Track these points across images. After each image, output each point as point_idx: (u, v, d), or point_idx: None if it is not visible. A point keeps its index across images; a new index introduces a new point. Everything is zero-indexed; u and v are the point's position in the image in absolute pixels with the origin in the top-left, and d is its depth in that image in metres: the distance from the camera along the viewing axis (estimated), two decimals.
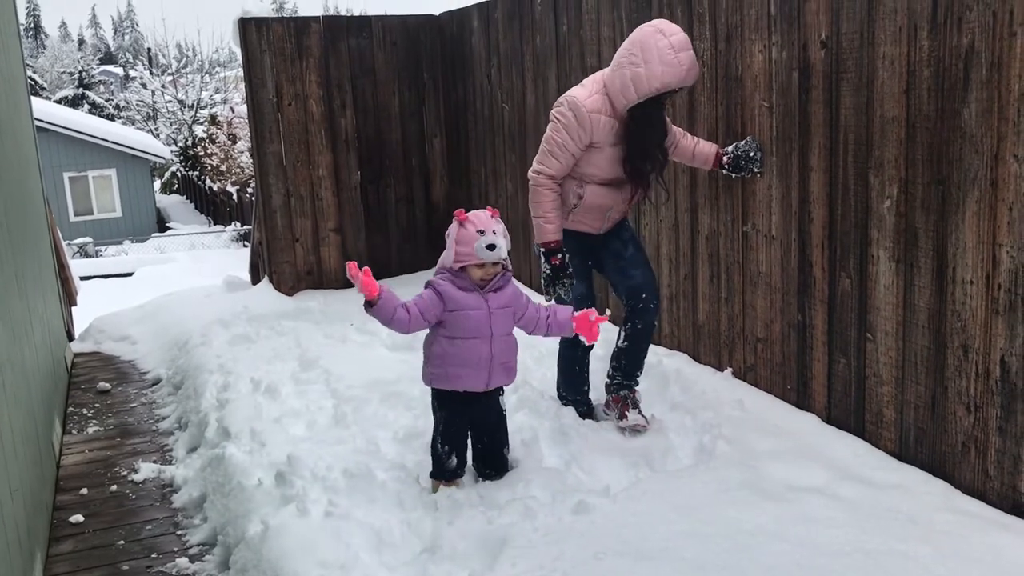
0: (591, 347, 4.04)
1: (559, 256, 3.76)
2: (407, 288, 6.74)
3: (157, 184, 34.47)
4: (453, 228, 3.32)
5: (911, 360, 3.29)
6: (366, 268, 3.21)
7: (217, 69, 38.85)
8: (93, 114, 37.67)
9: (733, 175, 3.99)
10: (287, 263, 7.05)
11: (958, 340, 3.07)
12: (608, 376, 4.05)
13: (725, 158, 3.94)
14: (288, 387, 4.75)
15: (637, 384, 4.02)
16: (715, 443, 3.61)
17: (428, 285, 3.38)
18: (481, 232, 3.25)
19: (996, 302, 2.91)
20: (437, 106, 7.35)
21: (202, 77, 36.90)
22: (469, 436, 3.50)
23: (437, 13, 7.27)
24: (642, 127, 3.66)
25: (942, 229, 3.08)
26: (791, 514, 3.03)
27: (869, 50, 3.28)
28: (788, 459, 3.44)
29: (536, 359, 4.70)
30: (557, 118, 3.71)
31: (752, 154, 3.88)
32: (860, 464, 3.36)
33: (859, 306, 3.51)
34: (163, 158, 30.26)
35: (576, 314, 3.51)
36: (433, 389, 3.48)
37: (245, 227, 23.27)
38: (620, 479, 3.45)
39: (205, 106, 35.05)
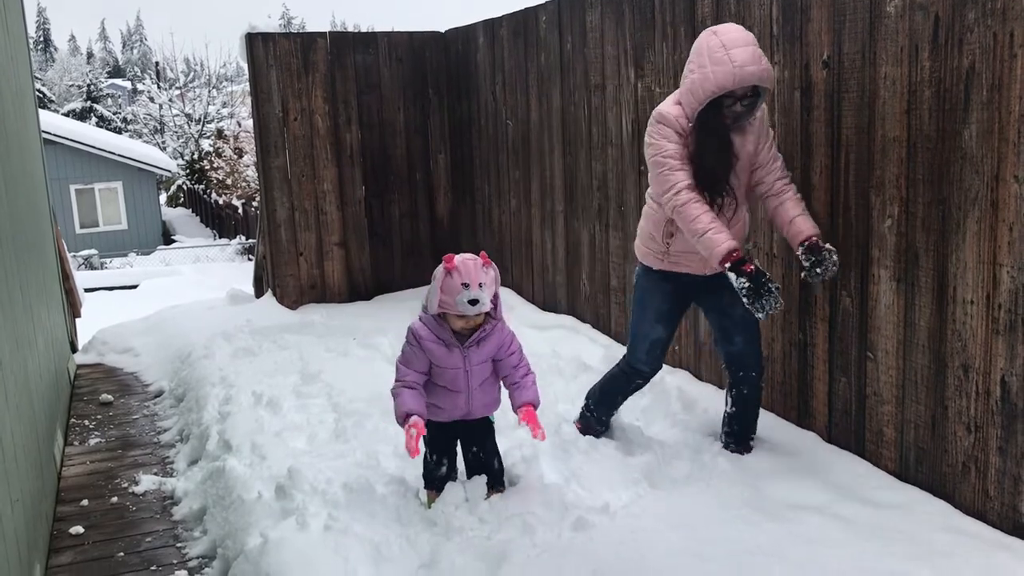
0: (641, 385, 3.89)
1: (748, 263, 3.29)
2: (407, 304, 6.81)
3: (163, 197, 34.59)
4: (440, 273, 3.16)
5: (911, 379, 3.29)
6: (419, 434, 3.14)
7: (224, 83, 39.04)
8: (100, 127, 37.88)
9: (805, 264, 3.41)
10: (291, 276, 7.08)
11: (958, 360, 3.07)
12: (722, 439, 3.79)
13: (802, 249, 3.39)
14: (290, 401, 4.76)
15: (753, 444, 3.77)
16: (716, 461, 3.61)
17: (409, 332, 3.29)
18: (465, 285, 3.09)
19: (996, 322, 2.91)
20: (442, 122, 7.39)
21: (209, 91, 37.15)
22: (459, 446, 3.50)
23: (443, 30, 7.32)
24: (700, 134, 3.38)
25: (943, 249, 3.09)
26: (791, 533, 3.02)
27: (871, 70, 3.30)
28: (788, 478, 3.44)
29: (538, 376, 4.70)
30: (653, 136, 3.45)
31: (820, 270, 3.34)
32: (860, 483, 3.36)
33: (860, 325, 3.51)
34: (169, 171, 30.40)
35: (526, 409, 3.29)
36: None
37: (250, 240, 23.33)
38: (620, 496, 3.44)
39: (212, 120, 35.26)
